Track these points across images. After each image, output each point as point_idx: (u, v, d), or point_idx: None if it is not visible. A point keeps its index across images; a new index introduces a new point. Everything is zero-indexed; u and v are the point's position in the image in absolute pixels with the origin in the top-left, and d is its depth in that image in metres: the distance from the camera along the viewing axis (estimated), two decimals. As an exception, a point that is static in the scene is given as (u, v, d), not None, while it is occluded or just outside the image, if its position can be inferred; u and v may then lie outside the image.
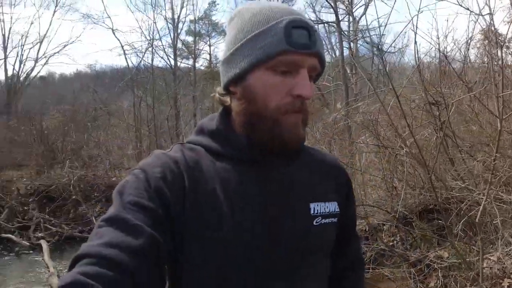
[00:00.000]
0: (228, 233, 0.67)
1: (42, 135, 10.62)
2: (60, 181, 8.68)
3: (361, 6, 11.78)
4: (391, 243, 4.56)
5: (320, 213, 0.77)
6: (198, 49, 18.85)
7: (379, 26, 10.09)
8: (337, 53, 13.86)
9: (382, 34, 11.23)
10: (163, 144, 12.41)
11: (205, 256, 0.68)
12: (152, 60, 14.14)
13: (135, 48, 14.58)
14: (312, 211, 0.76)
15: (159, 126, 12.73)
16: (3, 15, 17.44)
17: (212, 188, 0.70)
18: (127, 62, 14.92)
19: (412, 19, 3.26)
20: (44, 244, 6.53)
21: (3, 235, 7.14)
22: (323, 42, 0.73)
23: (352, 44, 12.10)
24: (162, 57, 14.73)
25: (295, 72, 0.68)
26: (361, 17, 12.02)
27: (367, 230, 4.82)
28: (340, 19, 11.84)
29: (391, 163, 4.76)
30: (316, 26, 0.73)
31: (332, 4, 7.34)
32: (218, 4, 19.87)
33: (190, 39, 19.02)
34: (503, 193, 3.35)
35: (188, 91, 14.91)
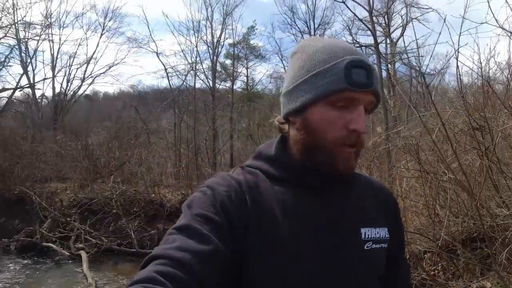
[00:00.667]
0: (284, 256, 0.71)
1: (87, 150, 11.12)
2: (102, 195, 9.03)
3: (398, 28, 11.78)
4: (432, 272, 4.38)
5: (371, 238, 0.79)
6: (236, 71, 19.40)
7: (418, 48, 10.01)
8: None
9: (421, 56, 11.09)
10: (201, 163, 12.67)
11: (263, 276, 0.70)
12: (194, 82, 14.70)
13: (177, 71, 15.25)
14: (363, 236, 0.79)
15: (198, 145, 13.04)
16: (52, 36, 18.17)
17: (271, 208, 0.74)
18: (169, 84, 15.59)
19: (456, 44, 3.25)
20: (83, 254, 6.80)
21: (45, 243, 7.46)
22: (377, 80, 0.77)
23: (390, 66, 12.01)
24: (202, 80, 15.28)
25: (352, 108, 0.73)
26: (398, 39, 11.97)
27: (408, 257, 4.67)
28: (379, 42, 11.86)
29: (434, 189, 4.63)
30: (373, 65, 0.77)
31: (370, 27, 7.36)
32: (256, 29, 20.35)
33: (228, 62, 19.61)
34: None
35: (225, 112, 15.27)
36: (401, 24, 11.61)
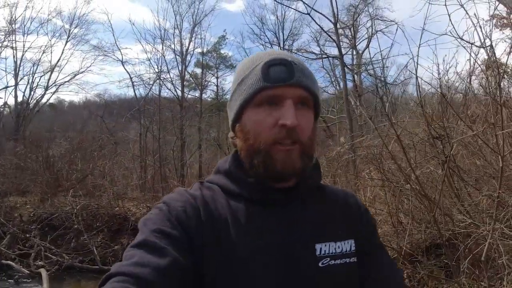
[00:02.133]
0: (237, 276, 0.70)
1: (48, 162, 10.65)
2: (63, 210, 8.64)
3: (364, 40, 12.14)
4: (397, 280, 4.43)
5: (328, 253, 0.76)
6: (205, 80, 19.29)
7: (382, 59, 10.33)
8: (342, 85, 14.14)
9: (386, 67, 11.47)
10: (168, 174, 12.40)
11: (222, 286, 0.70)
12: (160, 91, 14.47)
13: (143, 80, 14.97)
14: (318, 252, 0.75)
15: (165, 156, 12.78)
16: (15, 43, 17.49)
17: (225, 224, 0.74)
18: (135, 93, 15.25)
19: (415, 55, 3.34)
20: (43, 272, 6.47)
21: (4, 261, 7.07)
22: (311, 74, 0.80)
23: (356, 76, 12.32)
24: (169, 89, 15.05)
25: (280, 104, 0.73)
26: (364, 50, 12.34)
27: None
28: (344, 52, 12.18)
29: (396, 197, 4.71)
30: (297, 61, 0.78)
31: (335, 39, 7.52)
32: (227, 38, 20.38)
33: (198, 70, 19.49)
34: (510, 229, 3.29)
35: (194, 122, 15.09)
36: (366, 36, 11.99)
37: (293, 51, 17.98)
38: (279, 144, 0.73)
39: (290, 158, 0.73)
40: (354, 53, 12.71)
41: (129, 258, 0.64)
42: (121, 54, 15.67)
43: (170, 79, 14.91)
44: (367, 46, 12.02)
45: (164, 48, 15.26)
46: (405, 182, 4.17)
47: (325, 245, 0.76)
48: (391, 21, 11.39)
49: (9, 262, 7.05)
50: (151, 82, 14.46)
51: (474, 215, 3.69)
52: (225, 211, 0.75)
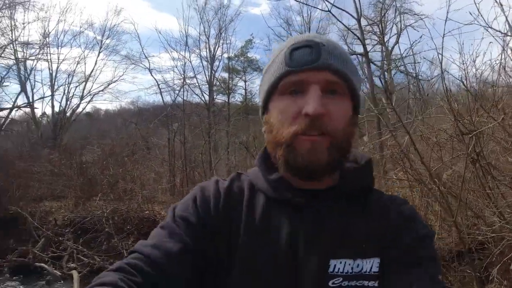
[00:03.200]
0: (242, 273, 0.68)
1: (81, 168, 11.05)
2: (94, 214, 8.92)
3: (393, 36, 11.73)
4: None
5: (342, 272, 0.65)
6: (233, 84, 19.44)
7: (413, 54, 9.91)
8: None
9: (417, 62, 10.99)
10: (197, 178, 12.52)
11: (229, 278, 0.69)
12: (185, 97, 14.70)
13: (169, 86, 15.30)
14: (331, 269, 0.65)
15: (193, 160, 12.92)
16: (50, 55, 18.32)
17: (245, 219, 0.71)
18: (162, 99, 15.65)
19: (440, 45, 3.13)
20: (75, 274, 6.65)
21: (37, 264, 7.33)
22: (345, 55, 0.70)
23: (386, 73, 11.91)
24: (197, 94, 15.29)
25: (305, 91, 0.67)
26: (393, 46, 11.92)
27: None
28: (374, 49, 11.83)
29: (424, 198, 4.45)
30: (326, 41, 0.70)
31: (359, 36, 7.28)
32: (254, 42, 20.51)
33: (225, 75, 19.68)
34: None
35: (222, 125, 15.21)
36: (395, 32, 11.59)
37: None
38: (303, 135, 0.66)
39: (315, 150, 0.65)
40: (384, 49, 12.32)
41: (151, 238, 0.70)
42: (149, 62, 16.08)
43: (197, 84, 15.17)
44: (397, 42, 11.63)
45: (190, 54, 15.54)
46: (432, 182, 3.93)
47: (341, 262, 0.66)
48: (421, 14, 10.94)
49: (42, 264, 7.30)
50: (177, 88, 14.79)
51: (509, 217, 3.40)
52: (245, 205, 0.73)
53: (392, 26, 12.12)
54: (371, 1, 11.15)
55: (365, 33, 12.40)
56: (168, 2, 37.90)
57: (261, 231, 0.70)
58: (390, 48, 11.78)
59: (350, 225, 0.69)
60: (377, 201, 0.74)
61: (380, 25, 11.11)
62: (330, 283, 0.64)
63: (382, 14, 10.88)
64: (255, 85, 20.60)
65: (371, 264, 0.65)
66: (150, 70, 15.26)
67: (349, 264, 0.65)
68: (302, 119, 0.65)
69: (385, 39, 11.34)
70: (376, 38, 11.81)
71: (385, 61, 11.93)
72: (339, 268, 0.65)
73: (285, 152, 0.68)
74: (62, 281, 6.89)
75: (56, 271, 7.12)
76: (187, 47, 15.54)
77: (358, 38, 7.45)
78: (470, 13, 3.74)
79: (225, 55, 18.95)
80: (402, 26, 11.02)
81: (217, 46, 17.86)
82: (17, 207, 8.80)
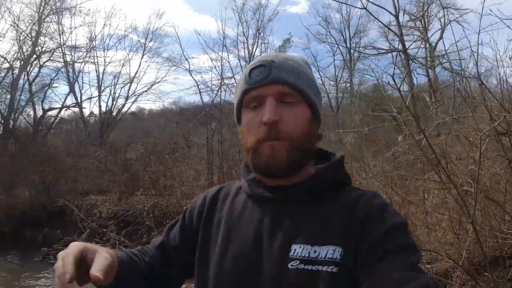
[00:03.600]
0: (212, 256, 0.82)
1: (125, 165, 11.63)
2: (136, 207, 9.37)
3: (437, 31, 11.20)
4: (461, 292, 4.00)
5: (299, 256, 0.71)
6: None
7: (458, 51, 9.39)
8: (416, 81, 13.18)
9: (462, 59, 10.42)
10: (234, 175, 12.73)
11: (202, 276, 0.84)
12: (223, 97, 14.98)
13: (208, 86, 15.64)
14: (291, 253, 0.72)
15: (231, 158, 13.14)
16: (97, 58, 19.48)
17: (222, 214, 0.86)
18: (201, 99, 16.14)
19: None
20: (117, 265, 7.07)
21: (83, 254, 7.84)
22: (295, 68, 0.80)
23: (430, 70, 11.43)
24: (234, 93, 15.46)
25: (264, 104, 0.77)
26: (437, 42, 11.37)
27: (432, 278, 4.32)
28: (416, 46, 11.36)
29: (460, 201, 4.26)
30: (277, 59, 0.81)
31: (397, 32, 7.04)
32: (292, 41, 20.43)
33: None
34: None
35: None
36: (439, 27, 11.07)
37: (359, 48, 17.36)
38: (264, 141, 0.76)
39: (274, 154, 0.76)
40: (427, 46, 11.81)
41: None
42: (188, 64, 16.55)
43: (235, 84, 15.36)
44: (440, 37, 11.09)
45: (228, 55, 15.79)
46: (468, 185, 3.78)
47: (300, 247, 0.72)
48: (464, 9, 10.36)
49: (88, 255, 7.81)
50: (216, 89, 15.10)
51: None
52: (229, 201, 0.87)
53: (433, 21, 11.63)
54: None
55: (407, 29, 11.98)
56: (208, 4, 38.64)
57: (237, 221, 0.83)
58: (433, 44, 11.28)
59: (312, 214, 0.76)
60: (346, 195, 0.79)
61: (422, 21, 10.67)
62: (289, 265, 0.71)
63: (424, 9, 10.43)
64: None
65: (326, 251, 0.70)
66: (190, 71, 15.75)
67: (307, 250, 0.71)
68: (262, 128, 0.76)
69: (428, 35, 10.88)
70: (419, 35, 11.34)
71: (428, 58, 11.45)
72: (298, 252, 0.72)
73: (252, 157, 0.79)
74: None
75: (99, 260, 7.59)
76: (225, 47, 15.79)
77: (396, 35, 7.23)
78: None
79: (264, 55, 19.02)
80: (446, 21, 10.52)
81: (255, 46, 18.05)
82: (65, 200, 9.34)
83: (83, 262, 0.66)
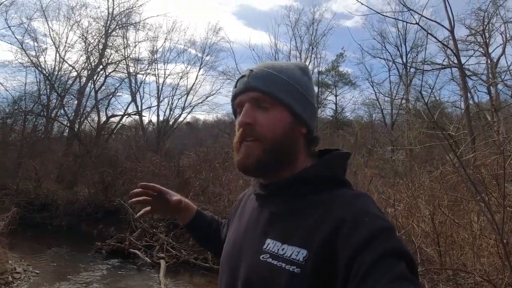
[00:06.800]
0: (223, 249, 0.98)
1: (178, 171, 12.22)
2: (185, 212, 9.79)
3: (499, 46, 10.56)
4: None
5: (270, 251, 0.77)
6: (323, 99, 19.44)
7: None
8: (477, 98, 12.46)
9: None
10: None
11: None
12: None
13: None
14: (265, 246, 0.79)
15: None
16: (157, 70, 20.70)
17: (239, 211, 1.02)
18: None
19: None
20: (162, 263, 7.35)
21: (132, 250, 8.28)
22: (268, 75, 0.85)
23: (492, 88, 10.81)
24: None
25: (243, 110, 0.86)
26: (499, 58, 10.70)
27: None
28: (477, 61, 10.78)
29: (508, 224, 4.03)
30: (264, 68, 0.87)
31: (453, 48, 6.78)
32: (345, 55, 20.22)
33: (315, 89, 19.73)
34: None
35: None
36: (502, 42, 10.45)
37: (416, 64, 16.78)
38: (241, 142, 0.84)
39: (247, 153, 0.83)
40: (488, 61, 11.18)
41: None
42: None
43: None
44: (503, 53, 10.44)
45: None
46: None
47: (273, 242, 0.78)
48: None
49: (136, 251, 8.21)
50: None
51: None
52: (244, 201, 1.03)
53: (494, 35, 10.96)
54: (473, 9, 10.21)
55: (467, 44, 11.44)
56: (261, 20, 39.56)
57: (241, 214, 0.98)
58: (495, 60, 10.67)
59: (289, 212, 0.80)
60: (328, 195, 0.79)
61: (483, 35, 10.15)
62: (261, 257, 0.77)
63: (485, 24, 9.93)
64: (346, 100, 20.26)
65: (294, 252, 0.72)
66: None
67: (277, 246, 0.76)
68: (240, 130, 0.84)
69: (490, 50, 10.31)
70: (480, 50, 10.80)
71: (490, 75, 10.84)
72: (270, 247, 0.77)
73: (235, 157, 0.87)
74: (150, 268, 7.66)
75: (147, 258, 7.95)
76: (276, 61, 16.05)
77: (451, 50, 6.98)
78: None
79: (316, 70, 19.17)
80: (508, 36, 9.90)
81: (308, 60, 18.16)
82: (120, 200, 10.03)
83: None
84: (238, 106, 0.88)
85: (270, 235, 0.79)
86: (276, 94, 0.83)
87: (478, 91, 11.04)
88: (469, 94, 12.64)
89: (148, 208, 1.17)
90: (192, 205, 1.23)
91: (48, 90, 16.30)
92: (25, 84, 16.16)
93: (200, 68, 21.21)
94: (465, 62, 9.21)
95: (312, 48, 18.46)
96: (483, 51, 10.60)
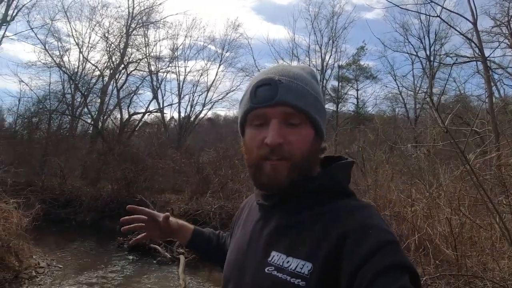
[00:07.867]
0: (226, 258, 0.96)
1: (198, 167, 12.32)
2: (205, 208, 9.91)
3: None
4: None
5: (275, 263, 0.76)
6: (344, 93, 19.19)
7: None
8: (503, 92, 11.98)
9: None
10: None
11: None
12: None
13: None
14: (269, 258, 0.78)
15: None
16: (178, 68, 21.06)
17: (243, 219, 1.00)
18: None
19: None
20: (182, 259, 7.44)
21: (152, 245, 8.41)
22: (301, 89, 0.81)
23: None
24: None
25: (268, 123, 0.79)
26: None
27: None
28: (502, 53, 10.32)
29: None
30: (284, 79, 0.81)
31: (476, 41, 6.55)
32: (366, 49, 19.79)
33: (336, 83, 19.54)
34: None
35: (329, 135, 15.17)
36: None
37: (440, 56, 16.27)
38: (266, 160, 0.79)
39: (275, 173, 0.79)
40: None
41: None
42: (260, 73, 16.94)
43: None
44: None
45: (299, 64, 15.91)
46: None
47: (278, 255, 0.77)
48: None
49: (156, 246, 8.33)
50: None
51: None
52: (247, 209, 1.01)
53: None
54: (496, 1, 9.77)
55: (492, 35, 10.98)
56: (280, 14, 39.26)
57: (245, 223, 0.96)
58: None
59: (294, 224, 0.79)
60: (332, 206, 0.79)
61: (508, 26, 9.71)
62: (265, 269, 0.76)
63: (510, 14, 9.49)
64: (367, 94, 19.91)
65: (299, 265, 0.72)
66: (262, 81, 16.10)
67: (282, 258, 0.75)
68: (265, 147, 0.78)
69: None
70: (504, 41, 10.35)
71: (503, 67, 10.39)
72: (275, 260, 0.76)
73: (253, 172, 0.82)
74: (170, 263, 7.80)
75: (167, 253, 8.09)
76: (295, 56, 15.97)
77: (474, 43, 6.73)
78: None
79: (336, 64, 18.92)
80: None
81: (329, 55, 17.97)
82: (142, 195, 10.25)
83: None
84: (259, 119, 0.81)
85: (275, 247, 0.78)
86: (309, 112, 0.80)
87: (505, 84, 10.65)
88: (494, 88, 12.16)
89: (142, 234, 1.19)
90: (189, 225, 1.23)
91: (72, 89, 16.77)
92: (50, 84, 16.71)
93: (220, 65, 21.37)
94: (489, 55, 8.88)
95: (333, 42, 18.28)
96: (508, 43, 10.19)
